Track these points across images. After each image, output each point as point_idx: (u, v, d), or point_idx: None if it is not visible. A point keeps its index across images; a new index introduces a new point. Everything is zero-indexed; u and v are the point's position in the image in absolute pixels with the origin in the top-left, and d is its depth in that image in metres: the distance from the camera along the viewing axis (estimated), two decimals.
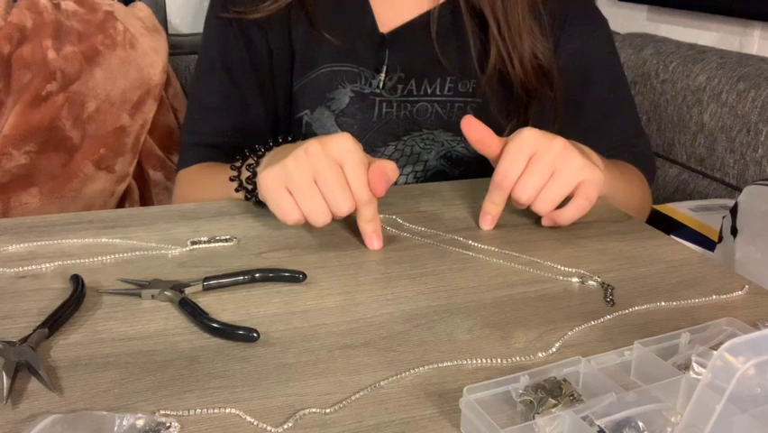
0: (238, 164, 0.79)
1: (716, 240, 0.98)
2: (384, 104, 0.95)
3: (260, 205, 0.76)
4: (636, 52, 1.54)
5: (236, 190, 0.78)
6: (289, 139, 0.77)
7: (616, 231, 0.76)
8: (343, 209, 0.65)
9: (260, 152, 0.76)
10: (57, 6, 1.39)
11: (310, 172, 0.65)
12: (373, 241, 0.69)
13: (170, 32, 1.59)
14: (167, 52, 1.48)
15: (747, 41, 1.48)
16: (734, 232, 0.93)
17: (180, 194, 0.96)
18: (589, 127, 0.95)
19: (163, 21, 1.56)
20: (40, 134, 1.33)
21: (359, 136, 0.94)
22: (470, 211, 0.79)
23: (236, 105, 0.96)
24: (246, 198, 0.77)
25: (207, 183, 0.90)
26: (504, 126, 0.96)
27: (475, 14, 0.94)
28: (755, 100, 1.27)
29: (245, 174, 0.77)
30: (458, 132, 0.96)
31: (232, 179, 0.78)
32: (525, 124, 0.94)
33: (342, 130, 0.95)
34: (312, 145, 0.66)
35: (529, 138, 0.70)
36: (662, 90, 1.47)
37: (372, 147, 0.95)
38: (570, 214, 0.72)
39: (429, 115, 0.96)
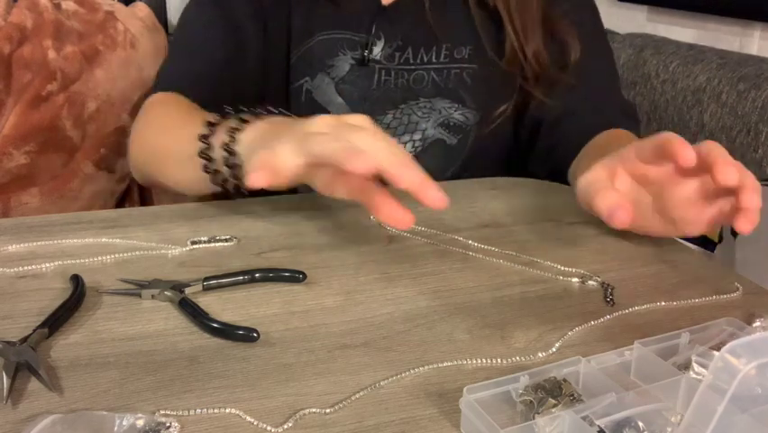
0: (214, 120, 0.67)
1: (716, 240, 0.98)
2: (383, 71, 0.95)
3: (224, 188, 0.67)
4: (636, 52, 1.54)
5: (200, 155, 0.66)
6: (279, 111, 0.66)
7: (616, 231, 0.75)
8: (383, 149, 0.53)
9: (244, 118, 0.64)
10: (57, 6, 1.39)
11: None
12: (431, 193, 0.52)
13: (170, 31, 1.59)
14: (167, 52, 1.48)
15: (747, 41, 1.48)
16: (734, 232, 0.93)
17: (136, 136, 0.85)
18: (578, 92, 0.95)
19: (163, 21, 1.56)
20: (40, 134, 1.33)
21: (359, 104, 0.95)
22: (471, 211, 0.79)
23: (231, 37, 0.92)
24: (205, 170, 0.66)
25: (170, 129, 0.78)
26: (501, 92, 0.96)
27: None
28: (755, 100, 1.27)
29: (220, 137, 0.64)
30: (455, 99, 0.97)
31: (201, 140, 0.66)
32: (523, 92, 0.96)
33: (343, 98, 0.95)
34: (327, 117, 0.58)
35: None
36: (663, 90, 1.47)
37: (372, 115, 0.94)
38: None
39: (426, 83, 0.96)
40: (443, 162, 0.96)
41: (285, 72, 0.96)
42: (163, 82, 0.90)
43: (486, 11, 0.95)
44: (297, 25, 0.95)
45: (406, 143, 0.98)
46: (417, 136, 0.98)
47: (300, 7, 0.95)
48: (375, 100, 0.96)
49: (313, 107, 0.95)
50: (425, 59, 0.96)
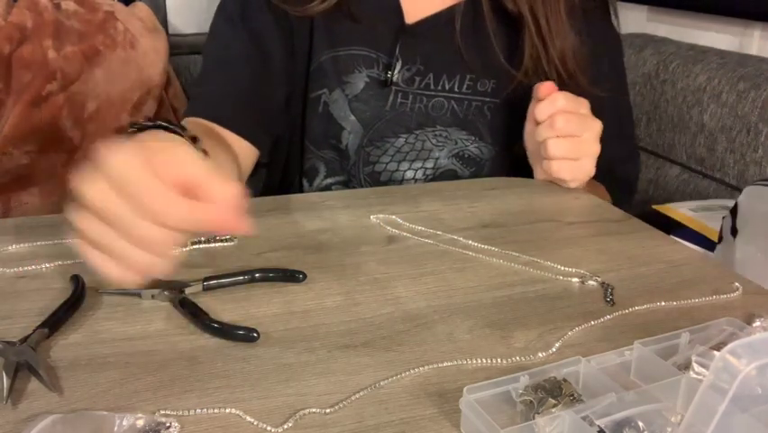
0: None
1: (716, 240, 0.98)
2: (399, 94, 0.94)
3: None
4: (636, 52, 1.54)
5: None
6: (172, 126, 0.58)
7: (616, 231, 0.75)
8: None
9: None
10: (57, 6, 1.39)
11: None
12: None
13: (170, 32, 1.59)
14: (167, 53, 1.49)
15: (747, 41, 1.48)
16: (734, 232, 0.93)
17: None
18: None
19: (163, 21, 1.56)
20: (40, 134, 1.33)
21: (370, 124, 0.94)
22: (470, 211, 0.79)
23: (257, 51, 0.92)
24: None
25: None
26: (520, 131, 0.96)
27: (502, 12, 0.93)
28: (755, 100, 1.27)
29: None
30: (473, 131, 0.96)
31: None
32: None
33: (355, 115, 0.94)
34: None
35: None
36: (663, 90, 1.47)
37: (383, 137, 0.95)
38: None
39: (444, 111, 0.95)
40: None
41: (304, 82, 0.96)
42: (192, 106, 0.92)
43: (502, 20, 0.93)
44: (318, 38, 0.94)
45: (417, 170, 0.97)
46: (429, 164, 0.97)
47: (322, 21, 0.93)
48: (387, 121, 0.95)
49: (329, 120, 0.95)
50: (447, 87, 0.95)
